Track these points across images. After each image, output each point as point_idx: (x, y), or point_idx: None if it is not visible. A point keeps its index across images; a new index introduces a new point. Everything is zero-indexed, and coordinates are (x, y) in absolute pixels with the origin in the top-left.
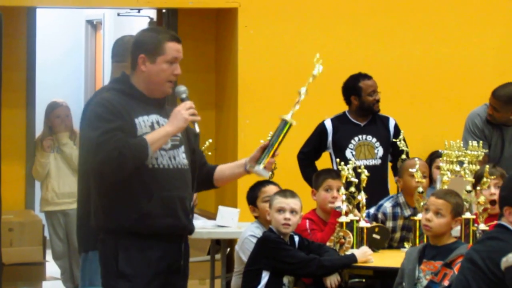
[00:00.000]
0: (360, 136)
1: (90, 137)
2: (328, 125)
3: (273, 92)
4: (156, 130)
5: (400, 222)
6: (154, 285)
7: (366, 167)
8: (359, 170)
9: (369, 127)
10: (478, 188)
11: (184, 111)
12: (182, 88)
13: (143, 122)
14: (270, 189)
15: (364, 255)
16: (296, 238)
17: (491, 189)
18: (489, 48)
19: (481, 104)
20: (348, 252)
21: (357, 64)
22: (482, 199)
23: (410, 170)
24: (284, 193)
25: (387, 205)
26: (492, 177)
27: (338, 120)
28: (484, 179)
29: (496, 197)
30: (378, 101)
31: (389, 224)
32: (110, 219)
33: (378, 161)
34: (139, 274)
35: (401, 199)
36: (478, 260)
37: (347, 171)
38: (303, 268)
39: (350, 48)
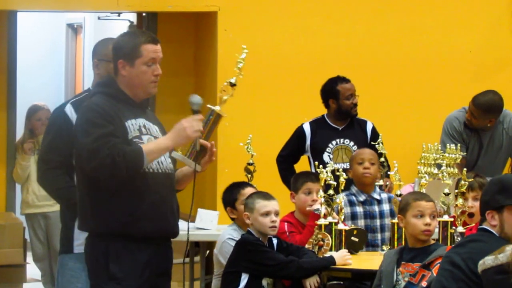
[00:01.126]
0: (337, 140)
1: (82, 143)
2: (307, 128)
3: (252, 95)
4: (155, 142)
5: (360, 209)
6: (143, 287)
7: (344, 170)
8: (338, 173)
9: (346, 131)
10: (456, 190)
11: (189, 128)
12: (196, 98)
13: (132, 125)
14: (249, 191)
15: (343, 258)
16: (275, 241)
17: (469, 202)
18: (467, 51)
19: (459, 107)
20: (327, 254)
21: (336, 67)
22: (460, 201)
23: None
24: (265, 195)
25: (341, 194)
26: (472, 192)
27: (317, 124)
28: (462, 182)
29: (474, 210)
30: (355, 105)
31: (347, 210)
32: (100, 222)
33: (348, 165)
34: (129, 277)
35: (354, 189)
36: (460, 261)
37: (325, 174)
38: (281, 270)
39: (330, 52)
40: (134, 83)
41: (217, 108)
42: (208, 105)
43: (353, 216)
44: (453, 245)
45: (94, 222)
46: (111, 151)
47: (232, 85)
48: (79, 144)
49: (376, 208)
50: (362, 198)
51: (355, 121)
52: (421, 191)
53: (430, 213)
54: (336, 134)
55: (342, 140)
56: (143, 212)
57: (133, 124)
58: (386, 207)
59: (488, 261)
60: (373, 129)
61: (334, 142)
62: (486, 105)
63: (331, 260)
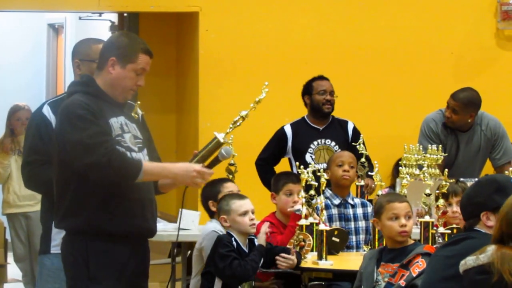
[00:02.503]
0: (319, 140)
1: (75, 138)
2: (288, 130)
3: (233, 96)
4: (159, 165)
5: (335, 212)
6: (122, 287)
7: (324, 171)
8: (319, 174)
9: (327, 131)
10: (437, 191)
11: (197, 178)
12: (228, 152)
13: (114, 123)
14: (231, 186)
15: (262, 237)
16: (257, 242)
17: (454, 207)
18: (448, 52)
19: (440, 107)
20: (308, 255)
21: (318, 69)
22: (441, 202)
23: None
24: (239, 195)
25: (322, 195)
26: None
27: (297, 125)
28: (444, 183)
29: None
30: (328, 101)
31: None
32: (80, 219)
33: None
34: (109, 277)
35: (328, 192)
36: (451, 257)
37: (306, 175)
38: (226, 270)
39: (311, 53)
40: (116, 84)
41: (220, 136)
42: (215, 132)
43: (329, 219)
44: (441, 245)
45: (74, 220)
46: (110, 152)
47: (243, 118)
48: (70, 138)
49: (350, 211)
50: (337, 201)
51: (336, 121)
52: (403, 191)
53: (405, 214)
54: (317, 135)
55: (323, 141)
56: (122, 210)
57: (116, 122)
58: (359, 210)
59: (469, 261)
60: (354, 129)
61: (315, 143)
62: (466, 99)
63: (259, 247)
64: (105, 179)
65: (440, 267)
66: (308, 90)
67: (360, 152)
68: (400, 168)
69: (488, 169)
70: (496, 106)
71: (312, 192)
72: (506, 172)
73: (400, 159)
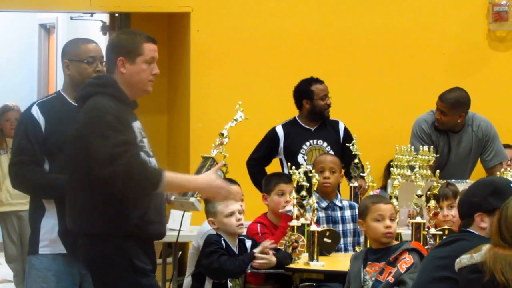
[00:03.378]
0: (311, 141)
1: (99, 146)
2: (280, 131)
3: (225, 97)
4: (183, 177)
5: (322, 215)
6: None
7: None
8: (310, 174)
9: (319, 132)
10: (428, 192)
11: (224, 190)
12: (198, 205)
13: (136, 129)
14: (236, 188)
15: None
16: (248, 243)
17: (444, 211)
18: (440, 53)
19: (432, 108)
20: (301, 256)
21: (309, 69)
22: (432, 203)
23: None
24: None
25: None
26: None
27: (289, 126)
28: (435, 184)
29: (449, 218)
30: (329, 106)
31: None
32: (111, 224)
33: None
34: (152, 269)
35: (315, 195)
36: (443, 258)
37: (298, 175)
38: (214, 263)
39: (303, 54)
40: (133, 81)
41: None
42: (202, 155)
43: (316, 222)
44: (433, 246)
45: (104, 224)
46: (132, 161)
47: (222, 135)
48: (94, 144)
49: (338, 214)
50: (324, 204)
51: (327, 122)
52: (394, 192)
53: (389, 215)
54: (310, 135)
55: (315, 141)
56: (150, 215)
57: (136, 128)
58: (347, 213)
59: (464, 259)
60: (345, 129)
61: (308, 143)
62: (454, 99)
63: (250, 254)
64: (125, 189)
65: (432, 268)
66: (307, 94)
67: (353, 153)
68: (391, 169)
69: (479, 170)
70: (488, 107)
71: (304, 193)
72: (498, 173)
73: (392, 160)
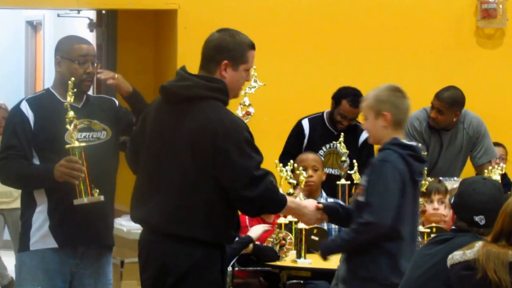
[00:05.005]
0: (331, 144)
1: (244, 165)
2: (305, 125)
3: None
4: (294, 201)
5: None
6: None
7: (329, 175)
8: (298, 172)
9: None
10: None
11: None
12: None
13: None
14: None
15: (258, 231)
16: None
17: (435, 204)
18: (428, 51)
19: (419, 107)
20: (289, 253)
21: (296, 68)
22: (420, 201)
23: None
24: None
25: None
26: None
27: (315, 121)
28: (423, 182)
29: (439, 212)
30: (342, 124)
31: None
32: (214, 233)
33: (336, 171)
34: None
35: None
36: (435, 256)
37: (285, 173)
38: None
39: (291, 53)
40: (231, 88)
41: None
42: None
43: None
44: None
45: (207, 233)
46: (272, 187)
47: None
48: (237, 163)
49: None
50: None
51: (354, 128)
52: None
53: None
54: (331, 138)
55: (335, 145)
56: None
57: None
58: None
59: (456, 256)
60: (366, 139)
61: (327, 146)
62: (451, 98)
63: (247, 238)
64: (261, 211)
65: (423, 265)
66: (337, 99)
67: (341, 150)
68: None
69: (468, 167)
70: (476, 105)
71: (291, 190)
72: (486, 171)
73: None
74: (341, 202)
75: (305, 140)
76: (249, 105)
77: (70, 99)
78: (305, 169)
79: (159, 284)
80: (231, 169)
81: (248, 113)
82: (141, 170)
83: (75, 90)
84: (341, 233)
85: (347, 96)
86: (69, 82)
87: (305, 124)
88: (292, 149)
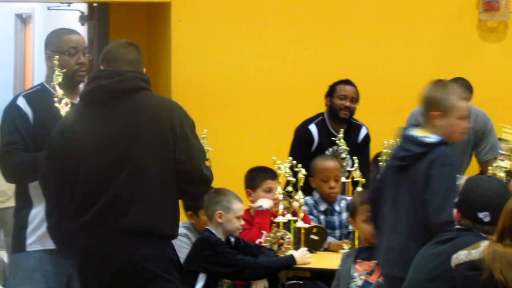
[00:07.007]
0: (334, 147)
1: (201, 147)
2: (313, 130)
3: (206, 88)
4: None
5: (322, 217)
6: None
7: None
8: (296, 169)
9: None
10: None
11: None
12: None
13: None
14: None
15: (303, 257)
16: (232, 239)
17: None
18: (428, 43)
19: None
20: (288, 253)
21: (294, 64)
22: None
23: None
24: (238, 197)
25: (308, 198)
26: None
27: (320, 125)
28: None
29: None
30: (347, 107)
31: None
32: (176, 226)
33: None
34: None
35: (316, 195)
36: (439, 255)
37: (283, 170)
38: (241, 272)
39: (284, 44)
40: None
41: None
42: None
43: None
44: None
45: (175, 227)
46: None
47: None
48: (197, 146)
49: (335, 218)
50: (323, 207)
51: (352, 126)
52: None
53: None
54: (334, 141)
55: (336, 147)
56: None
57: None
58: (344, 216)
59: (461, 255)
60: (366, 136)
61: (330, 149)
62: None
63: (291, 259)
64: (203, 193)
65: (427, 265)
66: (330, 92)
67: (341, 147)
68: (380, 164)
69: (473, 166)
70: (478, 99)
71: (290, 188)
72: (490, 168)
73: (378, 154)
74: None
75: (314, 146)
76: None
77: (58, 78)
78: (327, 180)
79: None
80: (191, 151)
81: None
82: (85, 181)
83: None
84: None
85: (339, 82)
86: (55, 61)
87: (313, 129)
88: (302, 157)
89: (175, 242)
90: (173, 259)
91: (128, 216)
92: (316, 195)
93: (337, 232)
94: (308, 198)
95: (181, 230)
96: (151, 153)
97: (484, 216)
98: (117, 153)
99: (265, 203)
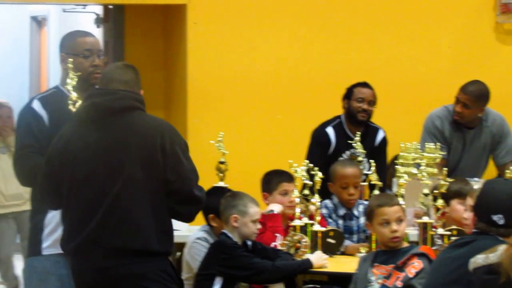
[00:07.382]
0: (351, 150)
1: (192, 167)
2: (331, 132)
3: (222, 90)
4: None
5: (340, 221)
6: None
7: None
8: (313, 172)
9: (360, 142)
10: (436, 191)
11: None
12: None
13: None
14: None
15: (319, 260)
16: (249, 242)
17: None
18: (446, 46)
19: (438, 104)
20: (304, 257)
21: (310, 66)
22: (440, 202)
23: None
24: (255, 200)
25: (328, 202)
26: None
27: (337, 128)
28: (442, 182)
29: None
30: (364, 110)
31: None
32: (171, 243)
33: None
34: None
35: (335, 199)
36: (457, 259)
37: (300, 173)
38: (258, 275)
39: (300, 46)
40: None
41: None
42: None
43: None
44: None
45: (170, 244)
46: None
47: None
48: (188, 166)
49: (354, 223)
50: (341, 212)
51: (369, 129)
52: (400, 191)
53: (396, 218)
54: (351, 144)
55: (353, 150)
56: None
57: None
58: (362, 220)
59: (479, 259)
60: (383, 139)
61: (348, 152)
62: (478, 92)
63: (308, 263)
64: (195, 213)
65: (444, 269)
66: (348, 94)
67: (357, 150)
68: (396, 167)
69: (491, 169)
70: (496, 102)
71: (307, 191)
72: (507, 171)
73: (395, 157)
74: None
75: (331, 149)
76: None
77: (72, 81)
78: (346, 187)
79: None
80: (182, 171)
81: None
82: (78, 200)
83: (76, 80)
84: None
85: (357, 84)
86: (69, 65)
87: (330, 132)
88: (319, 160)
89: (193, 245)
90: (168, 271)
91: (121, 235)
92: (335, 199)
93: (355, 237)
94: (328, 202)
95: (201, 234)
96: (140, 171)
97: (498, 218)
98: (108, 171)
99: (275, 207)
